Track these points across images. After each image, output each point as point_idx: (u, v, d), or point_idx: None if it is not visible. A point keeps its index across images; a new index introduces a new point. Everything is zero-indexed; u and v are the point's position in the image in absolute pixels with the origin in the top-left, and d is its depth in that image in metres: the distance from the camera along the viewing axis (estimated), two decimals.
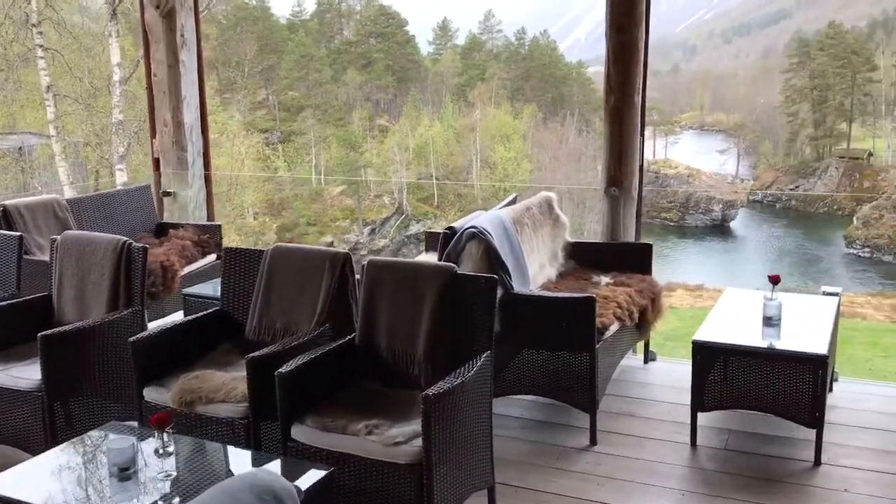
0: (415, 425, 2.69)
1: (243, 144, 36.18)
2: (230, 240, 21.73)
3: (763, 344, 3.61)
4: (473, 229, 3.84)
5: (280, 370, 2.83)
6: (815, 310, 4.07)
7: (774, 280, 3.80)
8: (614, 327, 3.92)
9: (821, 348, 3.43)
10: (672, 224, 57.84)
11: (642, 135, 4.86)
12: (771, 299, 3.76)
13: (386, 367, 3.21)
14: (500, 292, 3.61)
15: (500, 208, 4.45)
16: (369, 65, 52.85)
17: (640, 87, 4.77)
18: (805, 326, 3.78)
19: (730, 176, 72.66)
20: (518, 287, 3.97)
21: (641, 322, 4.30)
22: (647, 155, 72.48)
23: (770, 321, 3.74)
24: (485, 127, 52.28)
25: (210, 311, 3.73)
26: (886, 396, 4.35)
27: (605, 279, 4.50)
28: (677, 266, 46.88)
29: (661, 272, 41.40)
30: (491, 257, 3.81)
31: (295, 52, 47.69)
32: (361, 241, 40.51)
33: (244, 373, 3.01)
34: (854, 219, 51.84)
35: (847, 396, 4.26)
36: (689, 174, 61.20)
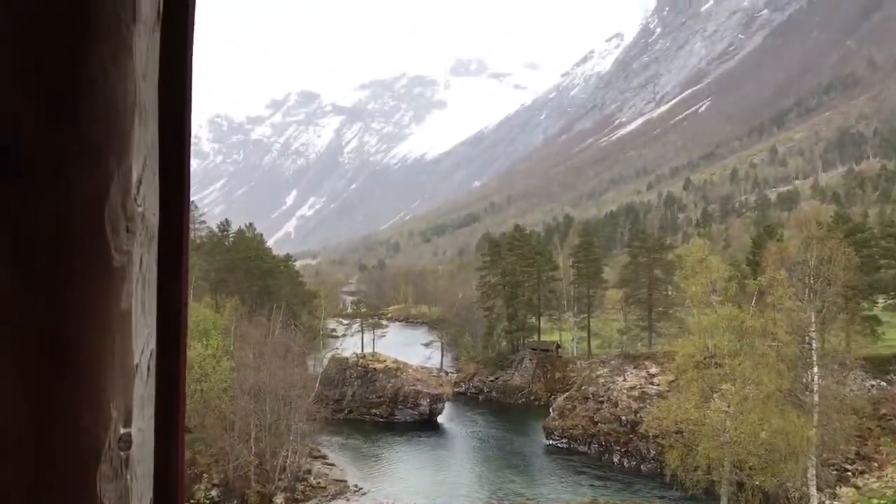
0: None
1: None
2: None
3: None
4: None
5: None
6: None
7: None
8: None
9: None
10: (381, 420, 56.14)
11: None
12: None
13: None
14: None
15: None
16: None
17: None
18: None
19: (435, 369, 73.80)
20: None
21: None
22: (356, 349, 71.48)
23: None
24: None
25: None
26: None
27: None
28: (388, 472, 44.10)
29: (377, 489, 38.07)
30: None
31: None
32: None
33: None
34: (550, 410, 53.91)
35: None
36: (397, 368, 60.72)
